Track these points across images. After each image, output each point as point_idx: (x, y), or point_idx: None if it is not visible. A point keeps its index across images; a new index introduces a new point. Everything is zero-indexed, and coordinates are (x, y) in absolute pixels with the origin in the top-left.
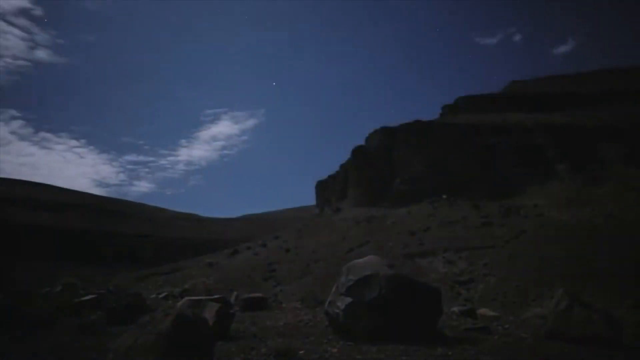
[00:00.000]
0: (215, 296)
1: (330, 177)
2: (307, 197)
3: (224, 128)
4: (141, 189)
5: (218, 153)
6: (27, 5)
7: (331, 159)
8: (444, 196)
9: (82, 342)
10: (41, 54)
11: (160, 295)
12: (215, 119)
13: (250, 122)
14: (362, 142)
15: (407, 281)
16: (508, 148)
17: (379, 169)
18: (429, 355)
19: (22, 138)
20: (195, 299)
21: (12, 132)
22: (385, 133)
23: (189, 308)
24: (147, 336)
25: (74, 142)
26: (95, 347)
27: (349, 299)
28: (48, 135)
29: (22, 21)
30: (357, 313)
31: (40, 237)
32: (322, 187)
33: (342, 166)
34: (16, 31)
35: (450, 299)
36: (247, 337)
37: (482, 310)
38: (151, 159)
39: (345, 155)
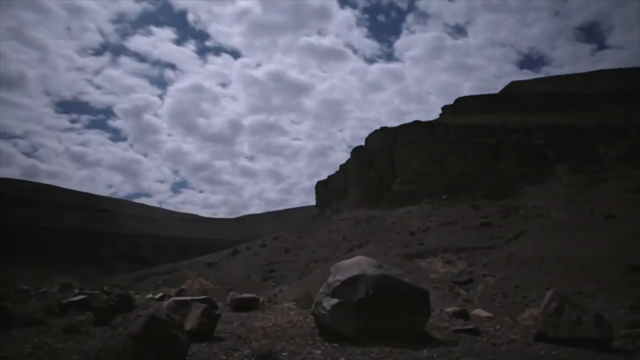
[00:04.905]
0: (202, 297)
1: (330, 177)
2: (307, 197)
3: None
4: None
5: None
6: None
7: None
8: (444, 196)
9: (65, 343)
10: None
11: (157, 296)
12: None
13: None
14: (362, 142)
15: (394, 282)
16: (508, 148)
17: (379, 169)
18: (414, 357)
19: None
20: (181, 300)
21: None
22: (385, 133)
23: (174, 309)
24: (118, 338)
25: None
26: (77, 348)
27: (335, 300)
28: None
29: None
30: (343, 314)
31: (41, 237)
32: (322, 187)
33: (342, 166)
34: None
35: (449, 299)
36: (232, 339)
37: (476, 311)
38: None
39: (345, 155)
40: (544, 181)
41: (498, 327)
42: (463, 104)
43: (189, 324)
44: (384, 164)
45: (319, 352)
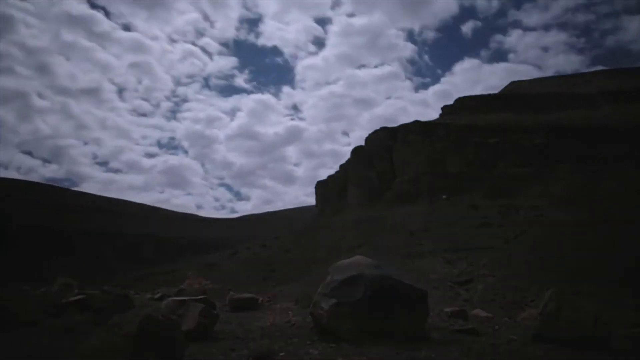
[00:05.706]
0: (200, 297)
1: (330, 177)
2: (307, 197)
3: None
4: None
5: None
6: None
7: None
8: (444, 196)
9: (62, 343)
10: None
11: (156, 296)
12: None
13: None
14: (362, 142)
15: (392, 282)
16: (508, 148)
17: (379, 169)
18: (412, 357)
19: None
20: (179, 300)
21: None
22: (385, 133)
23: (173, 309)
24: (114, 338)
25: None
26: (74, 348)
27: (333, 300)
28: None
29: None
30: (341, 314)
31: (41, 237)
32: (322, 187)
33: (342, 166)
34: None
35: (449, 299)
36: (230, 338)
37: (475, 311)
38: None
39: (345, 155)
40: (544, 181)
41: (497, 327)
42: (463, 103)
43: (187, 324)
44: (384, 164)
45: (316, 352)
